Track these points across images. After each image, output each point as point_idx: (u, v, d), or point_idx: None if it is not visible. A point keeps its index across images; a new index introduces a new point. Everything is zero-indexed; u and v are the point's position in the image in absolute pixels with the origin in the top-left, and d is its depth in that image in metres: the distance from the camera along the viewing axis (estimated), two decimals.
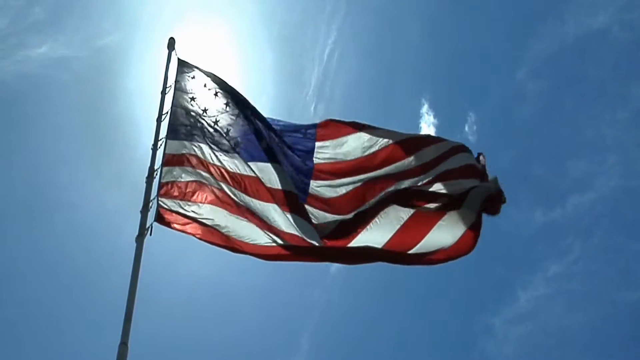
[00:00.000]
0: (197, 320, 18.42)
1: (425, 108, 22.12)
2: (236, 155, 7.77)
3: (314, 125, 8.08)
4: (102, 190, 18.52)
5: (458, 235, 7.29)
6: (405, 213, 7.45)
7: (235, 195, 7.55)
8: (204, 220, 7.28)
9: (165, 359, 17.72)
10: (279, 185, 7.67)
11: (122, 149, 18.78)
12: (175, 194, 7.36)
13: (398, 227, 7.40)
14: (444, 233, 7.31)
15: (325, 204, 7.58)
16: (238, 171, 7.70)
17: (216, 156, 7.73)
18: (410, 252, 7.30)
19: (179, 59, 8.30)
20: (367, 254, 7.33)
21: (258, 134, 7.91)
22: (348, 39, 22.94)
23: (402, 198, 7.49)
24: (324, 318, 19.62)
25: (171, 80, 8.15)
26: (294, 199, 7.59)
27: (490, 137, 22.85)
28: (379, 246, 7.30)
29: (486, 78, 23.23)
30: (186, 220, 7.25)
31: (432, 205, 7.45)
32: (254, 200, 7.56)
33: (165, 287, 17.36)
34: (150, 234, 7.01)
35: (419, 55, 22.99)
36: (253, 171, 7.71)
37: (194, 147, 7.70)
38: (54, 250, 18.50)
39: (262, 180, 7.67)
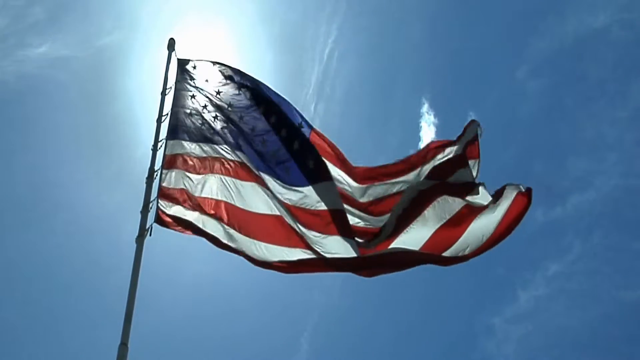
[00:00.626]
0: (197, 321, 18.42)
1: (425, 107, 22.12)
2: (247, 158, 7.65)
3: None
4: (102, 190, 18.53)
5: (497, 220, 7.03)
6: (447, 211, 7.13)
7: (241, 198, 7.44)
8: (203, 228, 7.20)
9: (165, 359, 17.72)
10: (324, 205, 7.37)
11: (122, 149, 18.78)
12: (176, 196, 7.29)
13: (436, 227, 7.12)
14: (483, 224, 7.01)
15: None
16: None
17: (222, 154, 7.64)
18: (445, 254, 6.98)
19: (178, 59, 8.27)
20: (402, 259, 7.04)
21: (274, 131, 7.77)
22: (348, 38, 22.93)
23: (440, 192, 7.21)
24: (324, 318, 19.60)
25: (171, 81, 8.13)
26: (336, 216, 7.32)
27: (490, 135, 22.66)
28: (416, 248, 7.02)
29: (486, 77, 23.23)
30: (186, 223, 7.23)
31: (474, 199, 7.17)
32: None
33: (165, 287, 17.34)
34: (150, 235, 6.98)
35: (419, 54, 22.98)
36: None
37: (195, 148, 7.65)
38: (53, 250, 18.49)
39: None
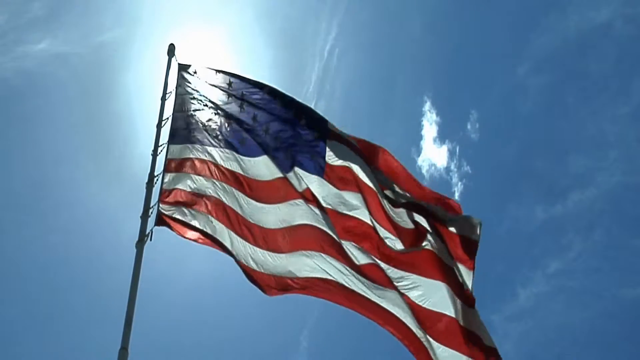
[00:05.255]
0: (197, 321, 18.36)
1: (427, 106, 22.06)
2: (245, 157, 7.55)
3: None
4: (101, 188, 18.47)
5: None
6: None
7: (245, 203, 7.37)
8: (207, 231, 7.19)
9: None
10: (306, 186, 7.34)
11: (121, 147, 18.75)
12: (178, 201, 7.27)
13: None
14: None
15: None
16: (255, 177, 7.46)
17: (223, 159, 7.55)
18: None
19: (179, 63, 8.22)
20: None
21: (271, 136, 7.63)
22: (349, 35, 22.86)
23: None
24: (323, 316, 19.57)
25: (171, 86, 8.07)
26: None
27: (492, 133, 22.81)
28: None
29: (488, 74, 23.19)
30: (187, 228, 7.19)
31: None
32: (269, 205, 7.36)
33: (165, 288, 17.29)
34: (151, 240, 6.95)
35: (420, 51, 22.92)
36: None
37: (197, 152, 7.57)
38: (53, 250, 18.41)
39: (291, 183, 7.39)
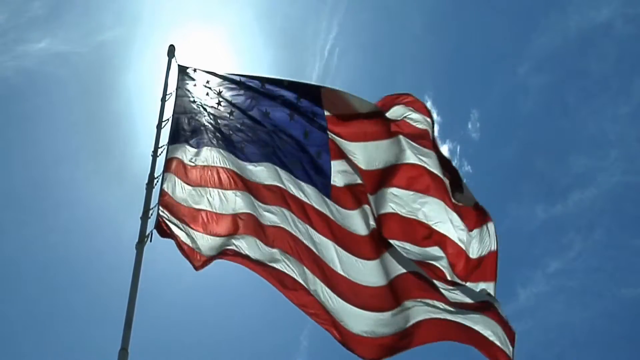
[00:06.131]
0: (197, 321, 18.34)
1: (427, 105, 22.02)
2: (248, 161, 7.49)
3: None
4: (101, 188, 18.46)
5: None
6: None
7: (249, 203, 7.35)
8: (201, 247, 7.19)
9: None
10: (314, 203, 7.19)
11: (121, 147, 18.73)
12: (176, 210, 7.22)
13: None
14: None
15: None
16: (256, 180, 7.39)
17: (224, 160, 7.51)
18: None
19: (179, 65, 8.20)
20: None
21: (269, 136, 7.55)
22: (349, 34, 22.83)
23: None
24: None
25: (171, 87, 8.05)
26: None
27: (492, 132, 22.80)
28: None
29: (488, 74, 23.17)
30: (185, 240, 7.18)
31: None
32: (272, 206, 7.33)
33: (164, 289, 17.25)
34: (150, 241, 6.94)
35: (420, 51, 22.89)
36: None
37: (197, 153, 7.53)
38: (52, 249, 18.39)
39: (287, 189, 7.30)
